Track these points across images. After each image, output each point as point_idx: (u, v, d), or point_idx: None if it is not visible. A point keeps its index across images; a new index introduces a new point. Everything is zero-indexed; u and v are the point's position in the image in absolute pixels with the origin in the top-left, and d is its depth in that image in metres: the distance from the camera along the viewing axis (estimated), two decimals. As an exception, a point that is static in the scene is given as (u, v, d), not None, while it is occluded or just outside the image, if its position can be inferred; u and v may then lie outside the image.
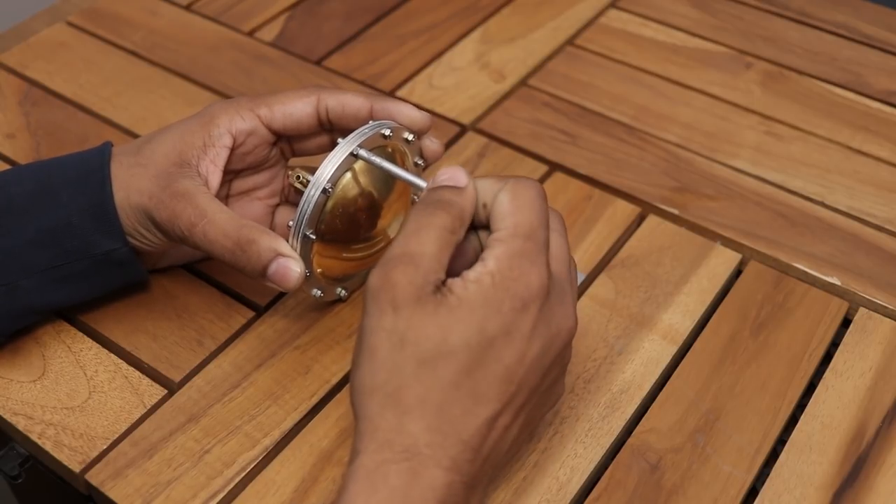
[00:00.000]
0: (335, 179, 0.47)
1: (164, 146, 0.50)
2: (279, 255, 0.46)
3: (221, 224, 0.47)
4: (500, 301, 0.40)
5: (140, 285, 0.55)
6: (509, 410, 0.41)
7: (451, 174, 0.43)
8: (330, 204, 0.48)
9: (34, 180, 0.50)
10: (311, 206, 0.46)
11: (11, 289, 0.49)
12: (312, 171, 0.49)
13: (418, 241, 0.40)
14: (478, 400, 0.40)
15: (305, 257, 0.48)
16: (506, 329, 0.40)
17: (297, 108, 0.50)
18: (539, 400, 0.43)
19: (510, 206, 0.41)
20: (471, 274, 0.40)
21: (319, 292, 0.51)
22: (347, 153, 0.47)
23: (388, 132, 0.48)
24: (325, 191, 0.47)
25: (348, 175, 0.48)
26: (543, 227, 0.42)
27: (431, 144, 0.52)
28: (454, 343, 0.39)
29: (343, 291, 0.53)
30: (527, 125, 0.67)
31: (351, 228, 0.50)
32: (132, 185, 0.49)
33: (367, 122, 0.49)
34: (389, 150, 0.50)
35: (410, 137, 0.50)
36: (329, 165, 0.47)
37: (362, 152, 0.47)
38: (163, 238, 0.49)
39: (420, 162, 0.52)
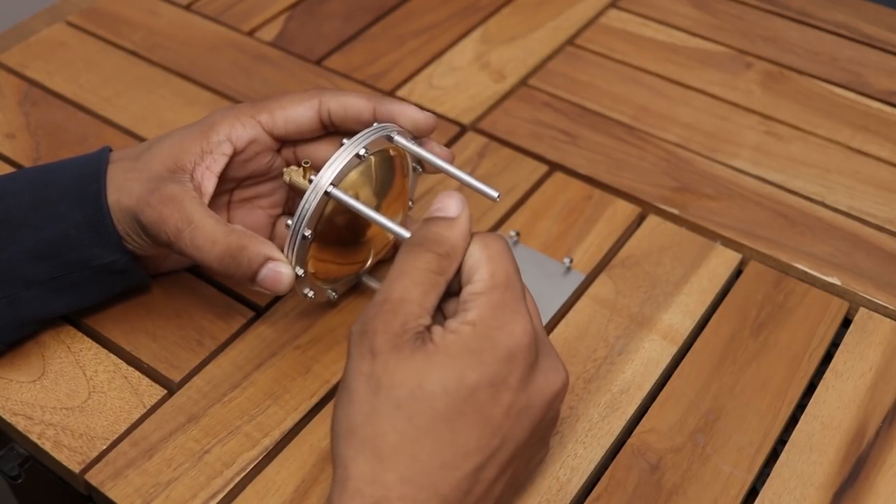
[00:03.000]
0: (338, 181, 0.47)
1: (162, 152, 0.49)
2: (269, 259, 0.46)
3: (209, 230, 0.46)
4: (482, 350, 0.38)
5: (141, 288, 0.55)
6: (493, 465, 0.39)
7: (443, 203, 0.42)
8: (330, 206, 0.48)
9: (32, 191, 0.50)
10: (312, 207, 0.46)
11: (12, 301, 0.49)
12: (304, 169, 0.49)
13: (401, 287, 0.40)
14: (457, 451, 0.38)
15: (302, 258, 0.48)
16: (489, 380, 0.38)
17: (298, 113, 0.50)
18: (526, 455, 0.42)
19: (482, 254, 0.41)
20: (451, 324, 0.39)
21: (311, 293, 0.50)
22: (351, 155, 0.46)
23: (393, 135, 0.48)
24: (326, 193, 0.46)
25: (351, 177, 0.48)
26: (518, 277, 0.41)
27: (440, 151, 0.50)
28: (430, 388, 0.38)
29: (333, 294, 0.53)
30: (527, 125, 0.67)
31: (348, 231, 0.50)
32: (124, 189, 0.48)
33: (370, 125, 0.48)
34: (392, 153, 0.50)
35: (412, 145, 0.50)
36: (332, 167, 0.46)
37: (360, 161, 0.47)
38: (152, 244, 0.49)
39: (419, 168, 0.52)
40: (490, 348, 0.38)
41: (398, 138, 0.48)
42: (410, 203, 0.54)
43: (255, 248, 0.46)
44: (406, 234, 0.44)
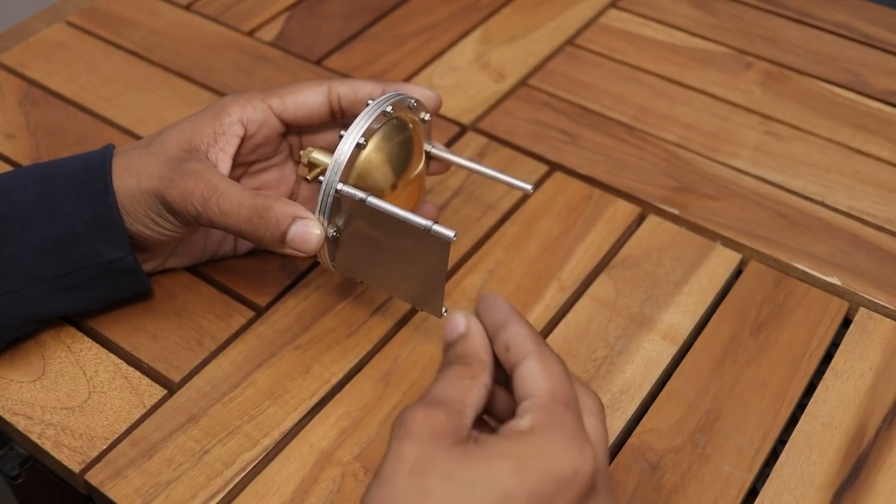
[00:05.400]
0: (368, 135, 0.47)
1: (175, 136, 0.50)
2: (297, 217, 0.46)
3: (234, 195, 0.47)
4: (528, 458, 0.36)
5: (143, 294, 0.55)
6: None
7: (451, 325, 0.41)
8: (360, 159, 0.48)
9: (37, 187, 0.50)
10: (345, 159, 0.46)
11: (15, 297, 0.49)
12: (325, 152, 0.50)
13: (439, 388, 0.39)
14: None
15: (334, 212, 0.48)
16: (529, 492, 0.35)
17: (308, 98, 0.51)
18: None
19: (542, 373, 0.39)
20: (501, 429, 0.37)
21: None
22: (378, 112, 0.47)
23: (412, 102, 0.49)
24: (359, 144, 0.47)
25: (377, 136, 0.48)
26: (576, 402, 0.39)
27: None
28: (459, 480, 0.35)
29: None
30: (527, 125, 0.67)
31: (372, 191, 0.50)
32: (143, 171, 0.48)
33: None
34: (409, 124, 0.50)
35: (427, 117, 0.51)
36: (363, 120, 0.47)
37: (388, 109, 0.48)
38: (177, 223, 0.49)
39: (430, 147, 0.53)
40: (539, 459, 0.36)
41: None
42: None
43: (282, 207, 0.46)
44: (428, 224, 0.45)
